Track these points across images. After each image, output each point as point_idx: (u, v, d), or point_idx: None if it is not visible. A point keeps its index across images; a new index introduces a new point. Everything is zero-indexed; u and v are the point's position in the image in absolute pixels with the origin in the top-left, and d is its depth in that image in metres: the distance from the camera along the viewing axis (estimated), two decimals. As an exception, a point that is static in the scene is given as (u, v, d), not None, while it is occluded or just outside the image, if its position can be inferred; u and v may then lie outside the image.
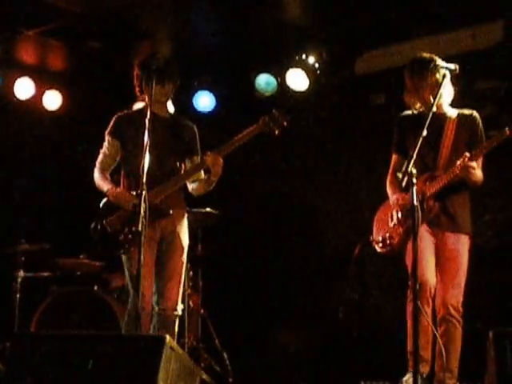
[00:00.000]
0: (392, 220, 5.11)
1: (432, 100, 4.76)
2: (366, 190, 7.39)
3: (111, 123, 5.36)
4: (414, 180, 4.21)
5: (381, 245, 5.14)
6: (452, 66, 4.75)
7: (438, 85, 4.72)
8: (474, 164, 4.82)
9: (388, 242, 5.08)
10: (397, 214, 5.08)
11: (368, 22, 7.03)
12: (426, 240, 4.97)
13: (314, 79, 7.54)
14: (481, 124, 5.08)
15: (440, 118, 5.04)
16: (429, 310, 4.88)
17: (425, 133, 4.36)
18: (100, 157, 5.36)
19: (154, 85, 4.94)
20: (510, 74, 6.35)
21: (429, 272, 4.94)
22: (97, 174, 5.30)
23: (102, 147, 5.37)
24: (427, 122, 4.39)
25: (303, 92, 7.62)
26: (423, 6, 6.68)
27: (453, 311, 4.89)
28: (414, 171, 4.23)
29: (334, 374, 6.74)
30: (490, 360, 4.59)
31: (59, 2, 6.67)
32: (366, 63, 7.51)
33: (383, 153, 7.24)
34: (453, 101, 5.19)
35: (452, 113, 5.13)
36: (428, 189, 4.93)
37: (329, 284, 7.43)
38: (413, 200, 4.18)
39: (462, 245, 4.97)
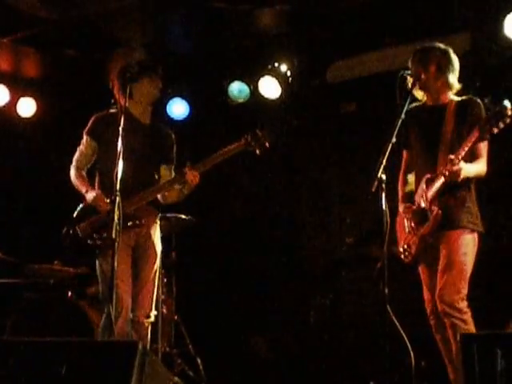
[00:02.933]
0: (407, 229, 5.02)
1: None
2: (338, 198, 7.42)
3: (90, 123, 5.34)
4: (384, 185, 4.24)
5: (403, 256, 5.02)
6: (416, 74, 4.82)
7: (407, 92, 4.75)
8: (458, 166, 4.65)
9: (408, 251, 4.97)
10: (409, 223, 5.00)
11: (339, 31, 7.07)
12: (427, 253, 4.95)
13: (285, 87, 7.55)
14: (480, 108, 4.87)
15: (440, 110, 4.97)
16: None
17: (394, 140, 4.38)
18: (77, 154, 5.34)
19: (128, 93, 4.95)
20: (475, 82, 6.41)
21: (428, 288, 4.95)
22: (73, 172, 5.28)
23: (79, 144, 5.35)
24: (396, 130, 4.42)
25: (275, 99, 7.64)
26: (393, 17, 6.75)
27: (447, 309, 4.70)
28: (384, 177, 4.25)
29: (307, 379, 6.75)
30: (457, 363, 4.64)
31: (34, 9, 6.63)
32: (337, 72, 7.55)
33: (355, 160, 7.33)
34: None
35: (453, 102, 5.00)
36: (428, 193, 4.82)
37: (301, 289, 7.43)
38: (382, 205, 4.21)
39: (459, 241, 4.80)
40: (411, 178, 5.14)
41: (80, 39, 7.29)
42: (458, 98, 5.01)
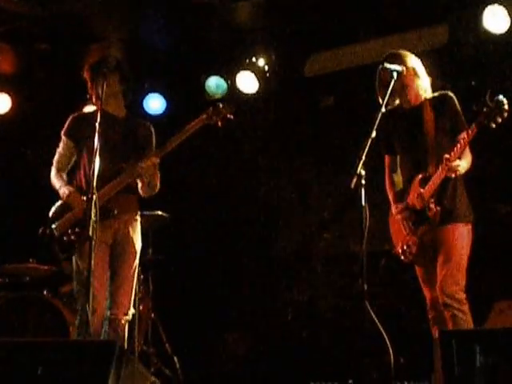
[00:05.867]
0: (405, 230, 5.12)
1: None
2: (315, 193, 7.42)
3: (66, 123, 5.33)
4: (363, 181, 4.26)
5: (403, 256, 5.13)
6: (398, 67, 4.84)
7: (387, 86, 4.77)
8: (456, 162, 4.78)
9: (408, 251, 5.07)
10: (406, 223, 5.10)
11: (317, 23, 7.07)
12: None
13: (263, 81, 7.57)
14: (455, 101, 5.03)
15: (417, 109, 5.09)
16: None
17: (373, 134, 4.40)
18: (56, 156, 5.34)
19: (105, 87, 4.91)
20: (454, 74, 6.45)
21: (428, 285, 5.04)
22: (52, 173, 5.29)
23: (58, 146, 5.35)
24: (376, 124, 4.44)
25: (253, 94, 7.64)
26: (371, 8, 6.77)
27: (448, 300, 4.83)
28: (363, 172, 4.27)
29: (284, 376, 6.76)
30: (436, 359, 4.69)
31: (7, 3, 6.58)
32: (316, 65, 7.56)
33: (333, 155, 7.34)
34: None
35: (427, 100, 5.12)
36: (425, 193, 4.93)
37: (278, 285, 7.45)
38: (361, 200, 4.23)
39: (456, 234, 4.93)
40: (396, 177, 5.25)
41: (55, 34, 7.26)
42: (431, 95, 5.13)
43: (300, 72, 7.61)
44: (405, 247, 5.07)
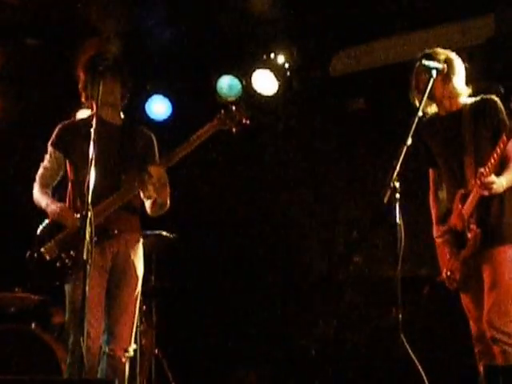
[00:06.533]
0: (448, 254, 5.15)
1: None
2: (343, 209, 7.42)
3: (54, 133, 5.33)
4: (398, 195, 4.26)
5: (447, 283, 5.15)
6: (438, 65, 4.86)
7: (425, 86, 4.79)
8: (490, 179, 4.79)
9: (452, 278, 5.10)
10: (449, 247, 5.13)
11: (346, 15, 7.09)
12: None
13: (283, 81, 7.60)
14: (498, 107, 5.01)
15: (455, 116, 5.12)
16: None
17: (409, 142, 4.41)
18: (40, 171, 5.34)
19: (101, 88, 4.89)
20: (501, 72, 6.44)
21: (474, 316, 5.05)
22: (36, 190, 5.29)
23: (43, 160, 5.35)
24: (412, 130, 4.45)
25: (272, 96, 7.68)
26: (405, -1, 6.81)
27: (496, 334, 4.81)
28: (398, 185, 4.27)
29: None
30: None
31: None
32: (343, 63, 7.57)
33: (363, 164, 7.33)
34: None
35: (467, 106, 5.13)
36: (465, 211, 4.96)
37: (299, 317, 7.43)
38: (396, 218, 4.24)
39: (503, 257, 4.91)
40: (441, 194, 5.28)
41: (46, 28, 7.31)
42: (472, 100, 5.14)
43: (325, 70, 7.63)
44: (449, 273, 5.10)
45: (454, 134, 5.08)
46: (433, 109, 5.25)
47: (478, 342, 5.05)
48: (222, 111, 5.23)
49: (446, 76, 5.05)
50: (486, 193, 4.83)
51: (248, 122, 5.26)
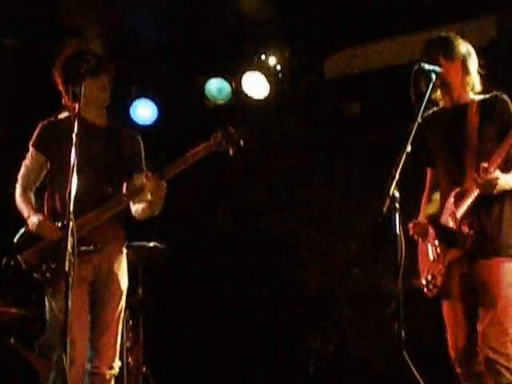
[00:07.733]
0: (432, 254, 4.97)
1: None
2: (341, 220, 7.38)
3: (35, 133, 5.28)
4: (397, 205, 4.18)
5: (426, 289, 4.98)
6: (437, 68, 4.79)
7: (424, 90, 4.72)
8: (494, 175, 4.65)
9: (432, 283, 4.92)
10: (434, 248, 4.96)
11: (340, 14, 7.08)
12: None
13: (275, 84, 7.58)
14: (508, 105, 4.90)
15: (461, 109, 4.98)
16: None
17: (409, 149, 4.32)
18: (22, 171, 5.28)
19: (83, 90, 4.81)
20: (503, 75, 6.40)
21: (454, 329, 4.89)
22: (18, 192, 5.23)
23: (25, 158, 5.30)
24: (411, 136, 4.37)
25: (262, 100, 7.67)
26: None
27: (492, 354, 4.63)
28: (398, 194, 4.19)
29: None
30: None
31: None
32: (338, 65, 7.56)
33: (360, 173, 7.29)
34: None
35: (475, 101, 5.01)
36: (458, 212, 4.78)
37: (296, 333, 7.36)
38: (395, 229, 4.15)
39: (502, 271, 4.74)
40: (436, 196, 5.12)
41: (24, 27, 7.29)
42: (481, 97, 5.02)
43: (319, 73, 7.64)
44: (429, 278, 4.93)
45: (457, 128, 4.93)
46: (438, 95, 5.08)
47: (463, 362, 4.84)
48: (219, 132, 5.19)
49: (465, 67, 4.93)
50: (487, 191, 4.66)
51: (247, 144, 5.21)
